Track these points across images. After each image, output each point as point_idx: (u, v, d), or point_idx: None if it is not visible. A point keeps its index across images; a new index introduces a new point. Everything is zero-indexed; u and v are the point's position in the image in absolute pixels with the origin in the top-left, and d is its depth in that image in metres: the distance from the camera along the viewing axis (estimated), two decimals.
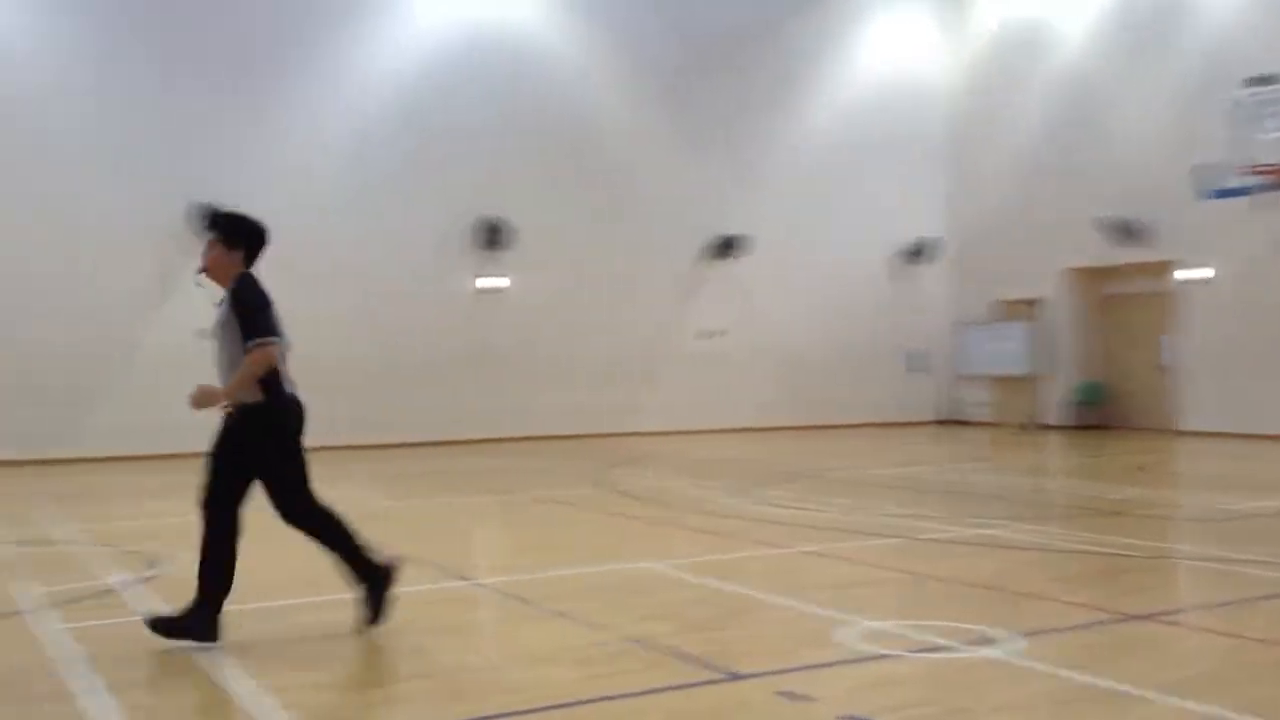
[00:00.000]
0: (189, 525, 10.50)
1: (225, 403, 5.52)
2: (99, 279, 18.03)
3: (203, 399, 5.48)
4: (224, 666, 5.21)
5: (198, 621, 5.50)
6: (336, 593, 6.77)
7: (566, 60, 22.00)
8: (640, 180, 22.53)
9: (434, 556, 8.20)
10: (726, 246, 22.87)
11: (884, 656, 5.29)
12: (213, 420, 5.86)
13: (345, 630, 5.94)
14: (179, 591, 6.94)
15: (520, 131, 21.39)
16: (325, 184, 19.90)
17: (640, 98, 22.56)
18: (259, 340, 5.44)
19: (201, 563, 5.60)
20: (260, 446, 5.58)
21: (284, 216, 19.22)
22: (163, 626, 5.49)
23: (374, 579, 5.79)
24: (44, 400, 17.42)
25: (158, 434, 18.06)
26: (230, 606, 5.86)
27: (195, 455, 19.06)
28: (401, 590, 7.06)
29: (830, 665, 5.21)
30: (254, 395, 5.52)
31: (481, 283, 21.15)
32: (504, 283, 21.27)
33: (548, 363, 21.53)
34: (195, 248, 19.72)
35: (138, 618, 6.26)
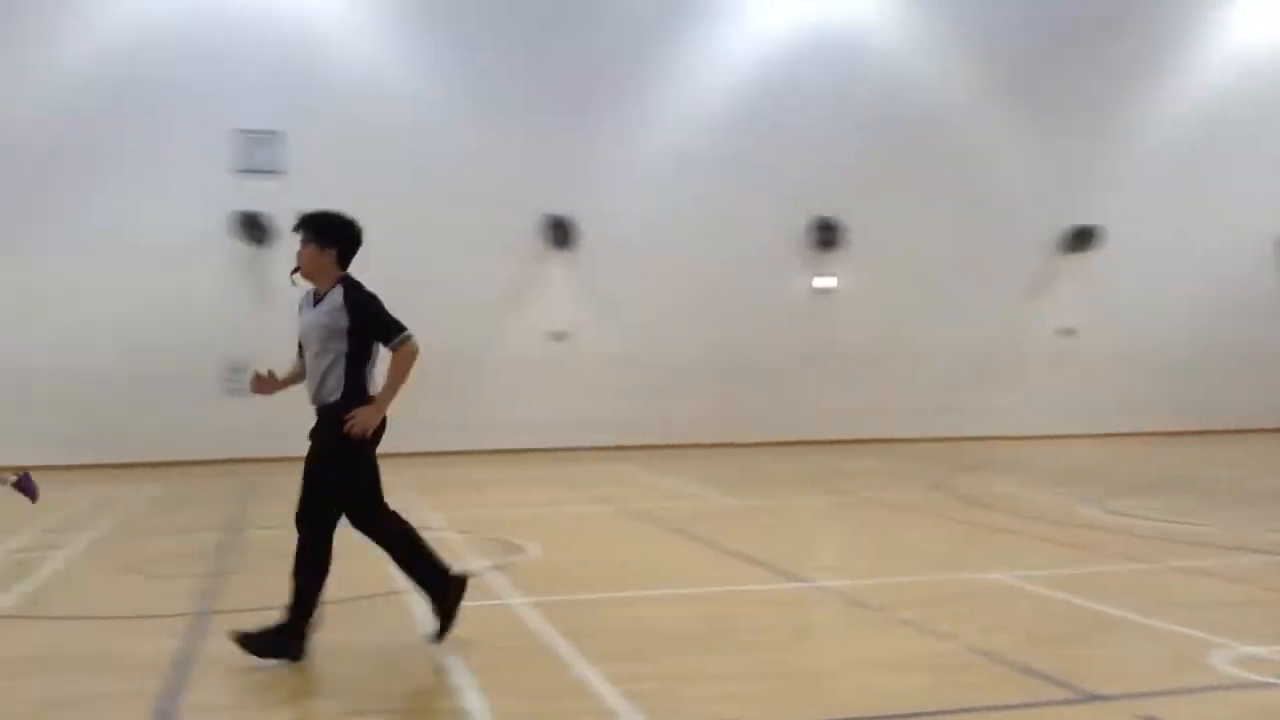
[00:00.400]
0: (542, 516, 11.13)
1: (384, 414, 5.32)
2: (462, 287, 19.43)
3: (362, 425, 5.24)
4: (572, 653, 5.42)
5: (283, 640, 5.31)
6: (674, 587, 6.92)
7: (905, 54, 21.52)
8: (984, 173, 21.70)
9: (772, 558, 8.20)
10: (1081, 238, 21.59)
11: (1263, 685, 4.77)
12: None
13: (680, 625, 6.04)
14: (535, 578, 7.34)
15: (855, 128, 21.15)
16: (665, 188, 20.49)
17: (984, 88, 21.72)
18: (400, 336, 5.31)
19: (295, 578, 5.33)
20: (343, 444, 5.27)
21: (627, 221, 20.23)
22: (251, 644, 5.27)
23: (441, 591, 5.56)
24: (413, 399, 18.93)
25: (514, 430, 19.31)
26: (577, 596, 6.08)
27: (549, 450, 20.00)
28: (741, 589, 7.08)
29: (1200, 691, 4.76)
30: (334, 393, 5.31)
31: (818, 282, 21.09)
32: (837, 282, 21.14)
33: (886, 363, 21.14)
34: (548, 257, 20.96)
35: (496, 603, 6.66)
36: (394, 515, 5.53)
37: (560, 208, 19.81)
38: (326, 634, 6.07)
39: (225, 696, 4.92)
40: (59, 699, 4.90)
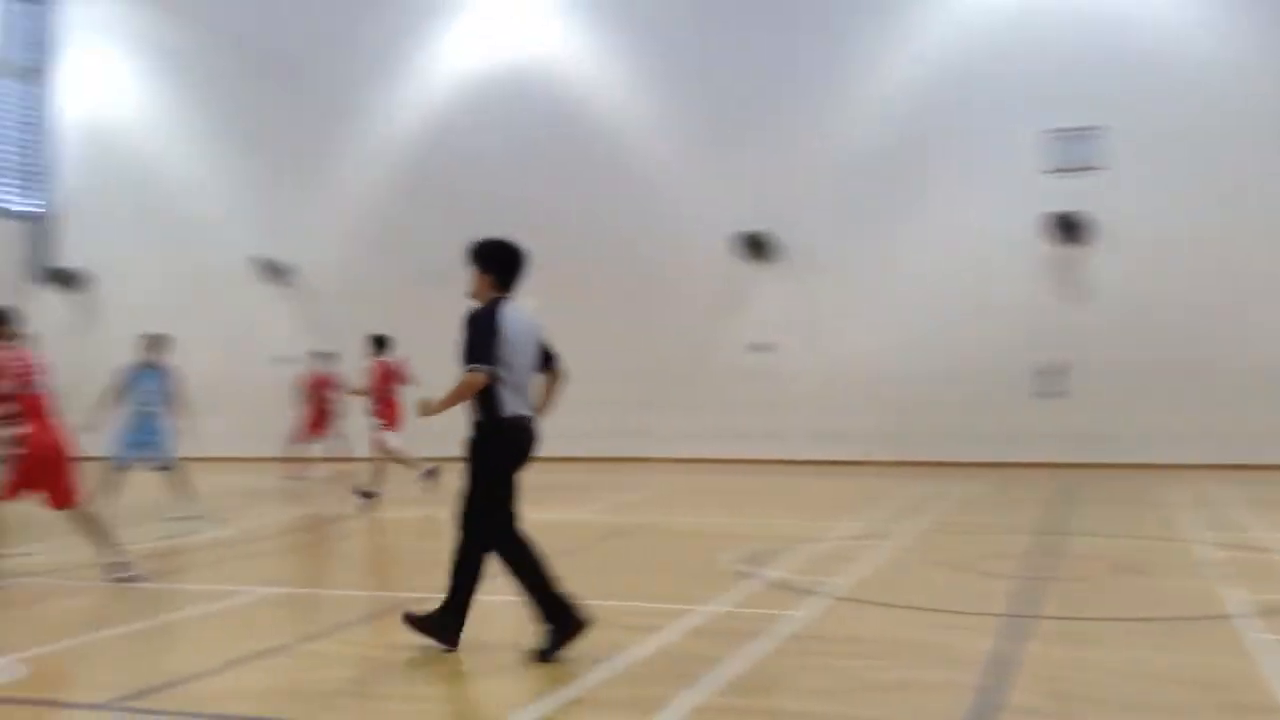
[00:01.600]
0: None
1: (436, 414, 5.73)
2: None
3: (423, 409, 5.82)
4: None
5: (438, 625, 5.74)
6: None
7: None
8: None
9: None
10: None
11: None
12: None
13: None
14: None
15: None
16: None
17: None
18: (469, 367, 5.59)
19: (452, 572, 5.74)
20: (478, 460, 5.74)
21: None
22: (413, 621, 5.78)
23: (562, 623, 5.56)
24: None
25: None
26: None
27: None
28: None
29: None
30: (479, 414, 5.70)
31: None
32: None
33: None
34: None
35: None
36: (525, 539, 5.75)
37: None
38: (1153, 652, 5.73)
39: (1048, 702, 4.84)
40: (882, 682, 5.21)
